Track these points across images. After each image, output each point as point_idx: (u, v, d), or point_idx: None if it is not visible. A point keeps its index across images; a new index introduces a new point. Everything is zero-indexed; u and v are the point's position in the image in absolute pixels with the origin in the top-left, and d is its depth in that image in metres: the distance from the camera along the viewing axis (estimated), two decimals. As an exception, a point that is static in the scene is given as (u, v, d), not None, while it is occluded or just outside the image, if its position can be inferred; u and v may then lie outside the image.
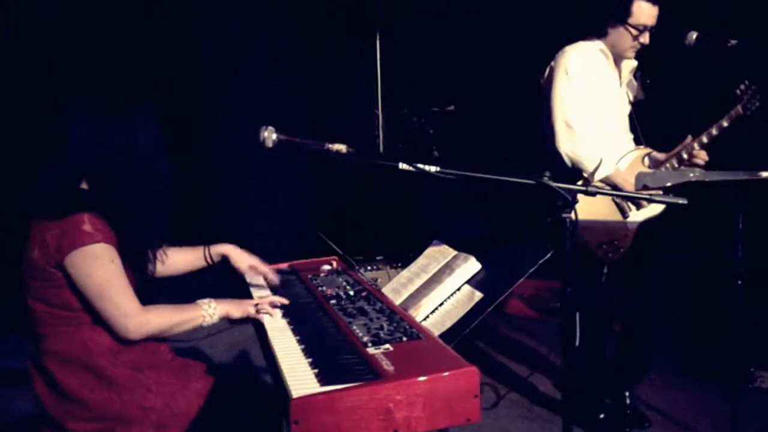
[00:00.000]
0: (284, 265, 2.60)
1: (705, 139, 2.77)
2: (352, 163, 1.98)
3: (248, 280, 2.34)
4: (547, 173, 1.78)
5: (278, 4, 4.87)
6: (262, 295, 2.17)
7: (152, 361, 1.91)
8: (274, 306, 2.01)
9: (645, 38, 2.83)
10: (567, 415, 1.87)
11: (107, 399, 1.80)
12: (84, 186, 1.88)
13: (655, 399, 3.36)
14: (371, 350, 1.60)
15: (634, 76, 3.14)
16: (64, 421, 1.79)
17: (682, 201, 1.79)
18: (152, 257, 2.04)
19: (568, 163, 2.83)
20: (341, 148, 1.84)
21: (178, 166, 2.03)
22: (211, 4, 4.68)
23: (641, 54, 2.96)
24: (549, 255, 1.82)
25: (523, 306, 4.70)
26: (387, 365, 1.51)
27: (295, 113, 4.97)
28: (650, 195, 1.91)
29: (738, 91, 2.70)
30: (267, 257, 2.53)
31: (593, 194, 1.81)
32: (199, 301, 1.99)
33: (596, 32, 2.94)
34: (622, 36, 2.85)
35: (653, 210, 2.86)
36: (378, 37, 5.19)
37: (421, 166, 1.80)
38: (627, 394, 3.12)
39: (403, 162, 1.79)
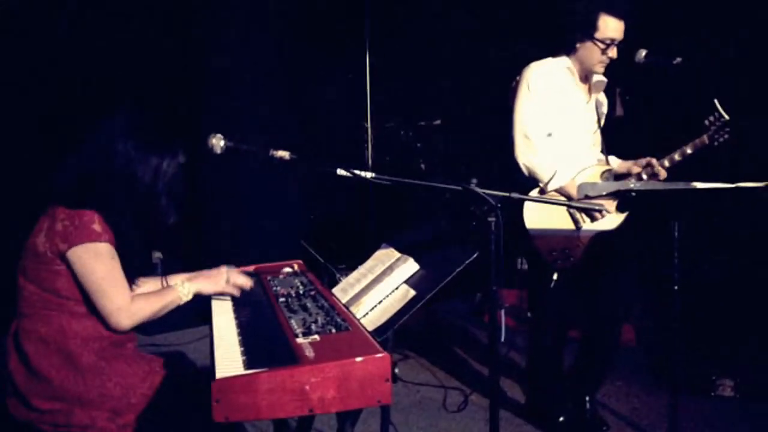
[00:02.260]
0: (251, 268, 2.75)
1: (667, 164, 2.87)
2: (328, 173, 2.10)
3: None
4: (474, 180, 1.92)
5: (269, 19, 5.04)
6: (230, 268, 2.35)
7: (118, 353, 2.06)
8: (241, 286, 2.23)
9: (612, 52, 2.93)
10: (494, 411, 1.96)
11: (71, 380, 1.94)
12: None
13: (617, 405, 3.46)
14: (299, 340, 1.74)
15: (615, 92, 3.27)
16: (29, 396, 1.94)
17: (598, 208, 1.92)
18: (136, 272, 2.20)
19: (525, 173, 2.95)
20: (284, 154, 2.00)
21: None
22: (204, 22, 4.86)
23: (617, 70, 3.07)
24: (474, 256, 1.94)
25: (506, 317, 4.79)
26: (309, 352, 1.64)
27: (286, 125, 5.12)
28: (571, 203, 2.04)
29: (707, 122, 2.77)
30: (251, 262, 2.72)
31: (517, 200, 1.95)
32: (174, 283, 2.20)
33: (565, 49, 3.04)
34: (589, 51, 2.96)
35: (608, 222, 2.94)
36: (367, 53, 5.35)
37: (357, 172, 1.95)
38: (587, 398, 3.22)
39: (341, 168, 1.94)
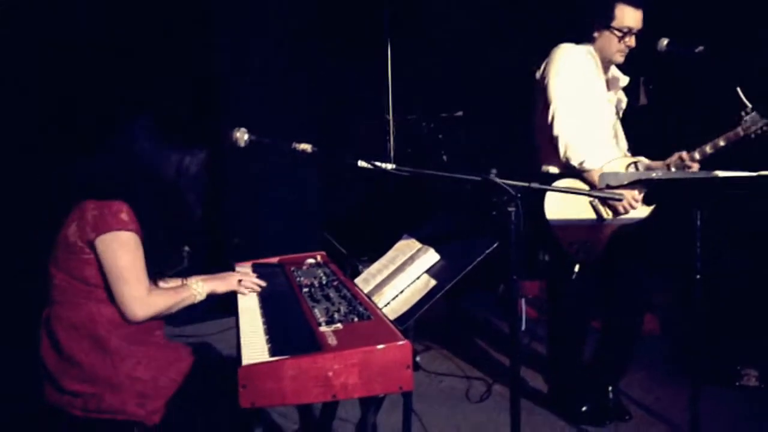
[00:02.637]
0: (275, 260, 2.81)
1: (698, 156, 2.81)
2: (349, 165, 2.14)
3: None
4: (494, 170, 1.94)
5: (292, 15, 5.08)
6: (244, 270, 2.47)
7: (145, 339, 2.12)
8: (254, 286, 2.28)
9: (631, 41, 2.94)
10: (515, 400, 1.98)
11: (100, 363, 2.01)
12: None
13: (640, 394, 3.46)
14: (323, 328, 1.78)
15: (639, 81, 3.26)
16: (60, 379, 2.02)
17: (618, 197, 1.92)
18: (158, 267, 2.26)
19: (561, 151, 2.91)
20: (307, 147, 2.04)
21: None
22: (226, 17, 4.91)
23: (641, 59, 3.06)
24: (494, 246, 1.97)
25: (528, 307, 4.81)
26: (332, 340, 1.69)
27: (309, 118, 5.17)
28: (590, 192, 2.03)
29: (743, 113, 2.72)
30: (274, 254, 2.80)
31: (539, 191, 1.96)
32: (189, 282, 2.28)
33: (585, 38, 3.05)
34: (608, 40, 2.97)
35: (632, 215, 2.92)
36: (389, 45, 5.37)
37: (378, 163, 1.98)
38: (610, 388, 3.23)
39: (362, 160, 1.97)
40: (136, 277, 2.03)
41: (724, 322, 3.65)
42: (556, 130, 2.92)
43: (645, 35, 2.96)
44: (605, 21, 2.94)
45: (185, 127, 2.22)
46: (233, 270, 2.56)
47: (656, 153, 3.09)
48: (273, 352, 1.67)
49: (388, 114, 5.39)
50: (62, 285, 2.06)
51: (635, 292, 3.10)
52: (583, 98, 2.97)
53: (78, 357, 2.01)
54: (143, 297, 2.04)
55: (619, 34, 2.93)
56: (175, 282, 2.41)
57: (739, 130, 2.73)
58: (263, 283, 2.32)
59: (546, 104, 2.98)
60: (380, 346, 1.62)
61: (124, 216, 2.01)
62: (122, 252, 2.01)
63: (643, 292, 3.14)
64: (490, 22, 5.41)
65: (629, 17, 2.91)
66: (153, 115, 2.18)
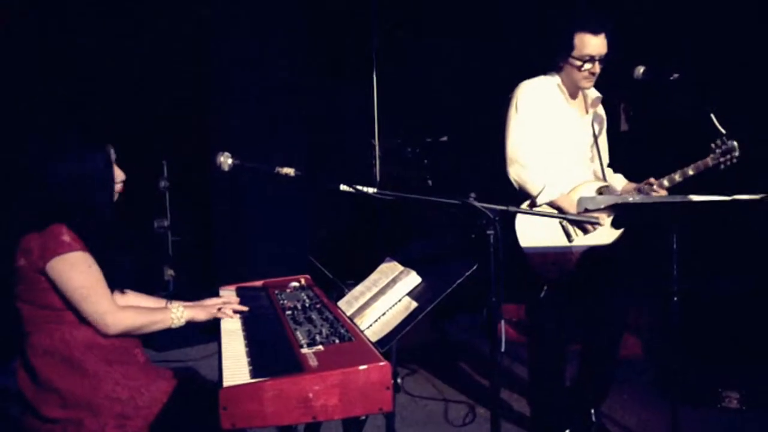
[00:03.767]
0: (259, 283, 2.82)
1: (666, 183, 2.90)
2: (332, 189, 2.17)
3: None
4: (473, 194, 1.98)
5: (277, 38, 5.15)
6: (227, 295, 2.48)
7: (123, 359, 2.12)
8: (235, 312, 2.26)
9: (595, 67, 2.99)
10: (496, 421, 2.00)
11: (78, 387, 2.01)
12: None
13: (623, 417, 3.47)
14: (304, 350, 1.80)
15: (619, 108, 3.32)
16: (38, 406, 2.01)
17: (595, 220, 1.97)
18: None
19: (516, 187, 3.02)
20: (290, 171, 2.07)
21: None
22: (215, 40, 4.97)
23: (620, 85, 3.13)
24: (474, 268, 2.00)
25: (510, 329, 4.84)
26: (312, 361, 1.70)
27: (297, 143, 5.22)
28: (566, 216, 2.08)
29: (713, 145, 2.79)
30: (260, 277, 2.80)
31: (513, 213, 2.00)
32: (170, 305, 2.28)
33: (554, 68, 3.13)
34: (571, 69, 3.04)
35: (602, 237, 2.99)
36: (374, 70, 5.45)
37: (360, 187, 2.01)
38: (592, 411, 3.25)
39: (344, 184, 2.01)
40: (97, 292, 2.03)
41: (706, 344, 3.69)
42: (507, 171, 3.03)
43: (624, 60, 3.03)
44: (566, 51, 3.02)
45: (74, 137, 2.16)
46: (217, 294, 2.57)
47: (636, 178, 3.15)
48: (254, 373, 1.69)
49: (374, 138, 5.44)
50: (31, 315, 2.06)
51: (610, 313, 3.13)
52: (542, 132, 3.04)
53: (55, 383, 2.01)
54: (111, 310, 2.04)
55: (579, 63, 2.99)
56: (157, 302, 2.42)
57: (708, 161, 2.81)
58: (244, 309, 2.30)
59: (502, 142, 3.07)
60: (361, 368, 1.63)
61: (65, 237, 2.01)
62: (74, 273, 2.00)
63: (618, 313, 3.15)
64: (476, 47, 5.50)
65: (588, 45, 2.96)
66: (42, 133, 2.18)
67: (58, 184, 2.07)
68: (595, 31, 2.94)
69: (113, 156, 2.19)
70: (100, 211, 2.12)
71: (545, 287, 2.92)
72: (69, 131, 2.17)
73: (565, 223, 2.93)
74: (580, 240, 2.97)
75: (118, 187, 2.22)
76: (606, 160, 3.28)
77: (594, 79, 3.04)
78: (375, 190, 2.01)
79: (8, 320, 2.09)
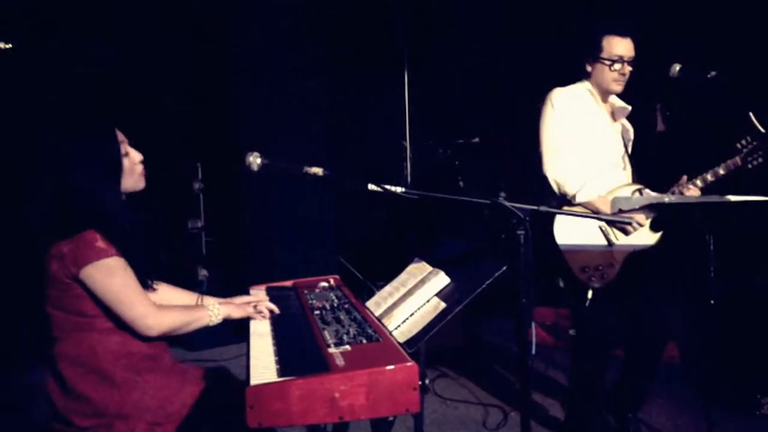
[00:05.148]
0: (289, 283, 2.83)
1: (699, 183, 2.86)
2: (360, 189, 2.16)
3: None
4: (503, 194, 1.95)
5: (310, 42, 5.17)
6: (257, 294, 2.51)
7: (151, 366, 2.11)
8: (266, 312, 2.29)
9: (624, 69, 2.98)
10: (526, 423, 1.97)
11: (108, 397, 2.01)
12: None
13: (660, 422, 3.41)
14: (331, 350, 1.79)
15: (655, 108, 3.26)
16: (69, 416, 2.01)
17: (627, 220, 1.92)
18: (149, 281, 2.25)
19: (555, 188, 2.97)
20: (318, 171, 2.06)
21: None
22: (243, 42, 5.01)
23: (656, 85, 3.09)
24: (504, 269, 1.97)
25: (544, 333, 4.78)
26: (339, 361, 1.70)
27: (328, 144, 5.24)
28: (599, 216, 2.03)
29: (739, 145, 2.78)
30: (289, 277, 2.81)
31: (549, 215, 1.96)
32: (206, 303, 2.30)
33: (583, 74, 3.12)
34: (600, 71, 3.03)
35: (643, 239, 2.92)
36: (406, 71, 5.44)
37: (388, 187, 2.00)
38: (630, 416, 3.19)
39: (372, 184, 1.99)
40: (136, 296, 2.02)
41: (744, 348, 3.59)
42: (545, 171, 3.00)
43: (659, 61, 2.98)
44: (595, 54, 3.02)
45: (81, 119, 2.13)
46: (248, 293, 2.58)
47: (675, 178, 3.09)
48: (281, 372, 1.69)
49: (405, 140, 5.43)
50: (60, 322, 2.05)
51: (654, 319, 3.06)
52: (576, 136, 3.01)
53: (84, 391, 2.01)
54: (152, 312, 2.03)
55: (609, 63, 2.98)
56: (189, 296, 2.42)
57: (737, 159, 2.78)
58: (276, 309, 2.31)
59: (540, 143, 3.05)
60: (387, 368, 1.62)
61: (99, 243, 1.99)
62: (111, 279, 1.99)
63: (662, 319, 3.08)
64: (507, 48, 5.45)
65: (617, 46, 2.97)
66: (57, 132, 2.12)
67: (71, 187, 2.05)
68: (622, 34, 2.96)
69: (121, 137, 2.14)
70: (113, 214, 2.08)
71: (589, 294, 2.86)
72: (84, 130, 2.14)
73: (603, 226, 2.88)
74: (621, 243, 2.91)
75: (139, 168, 2.18)
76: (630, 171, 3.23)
77: (624, 81, 3.02)
78: (403, 189, 1.99)
79: (30, 320, 2.08)
